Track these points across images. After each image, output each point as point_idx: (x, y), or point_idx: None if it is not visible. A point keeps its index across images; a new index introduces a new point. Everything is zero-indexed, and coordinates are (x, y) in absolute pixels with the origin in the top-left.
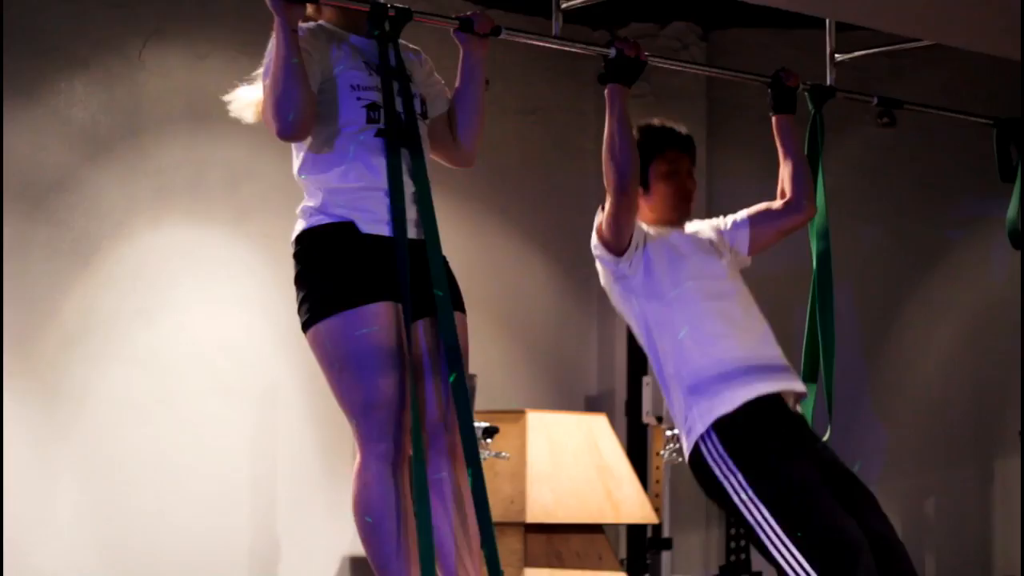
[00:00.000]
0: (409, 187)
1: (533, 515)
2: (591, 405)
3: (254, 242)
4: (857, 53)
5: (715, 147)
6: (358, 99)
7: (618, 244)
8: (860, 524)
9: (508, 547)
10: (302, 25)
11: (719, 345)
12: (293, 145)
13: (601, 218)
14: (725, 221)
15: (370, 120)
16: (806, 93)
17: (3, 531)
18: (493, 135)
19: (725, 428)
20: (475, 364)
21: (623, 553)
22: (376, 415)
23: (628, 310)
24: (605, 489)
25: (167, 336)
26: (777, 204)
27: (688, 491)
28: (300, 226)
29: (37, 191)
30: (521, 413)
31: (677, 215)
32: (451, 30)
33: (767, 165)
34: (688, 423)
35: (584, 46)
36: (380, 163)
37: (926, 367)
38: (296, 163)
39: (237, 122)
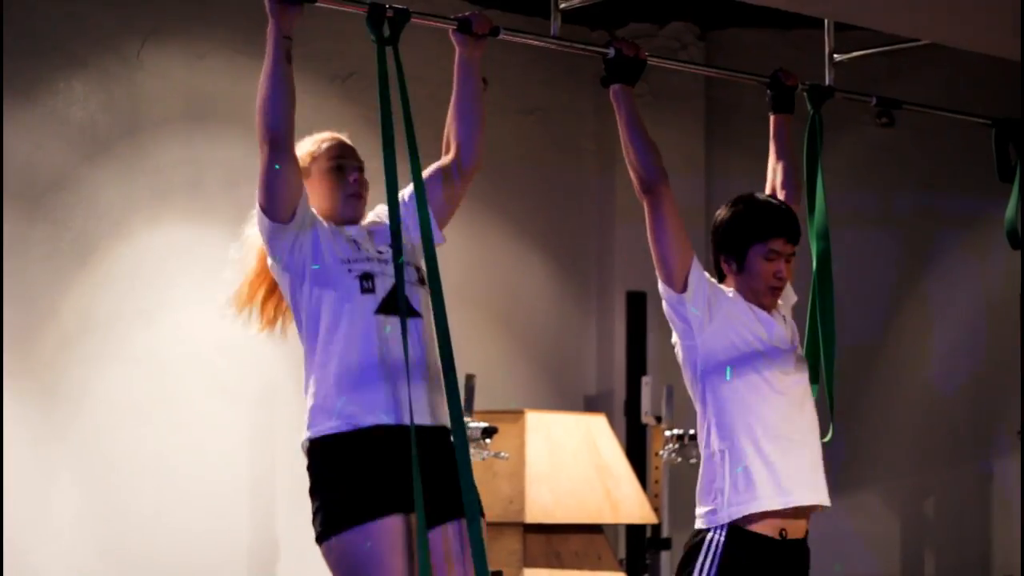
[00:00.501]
0: (419, 365)
1: (532, 515)
2: (590, 405)
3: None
4: (856, 53)
5: (713, 147)
6: (348, 271)
7: (679, 267)
8: None
9: (507, 547)
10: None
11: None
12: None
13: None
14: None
15: (364, 290)
16: (805, 93)
17: (2, 531)
18: (492, 135)
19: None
20: (474, 364)
21: (622, 553)
22: None
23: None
24: (604, 489)
25: (166, 336)
26: None
27: (687, 491)
28: (307, 434)
29: (36, 191)
30: (520, 413)
31: (768, 301)
32: (449, 31)
33: (765, 166)
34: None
35: (583, 46)
36: (382, 341)
37: (925, 367)
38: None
39: (235, 122)
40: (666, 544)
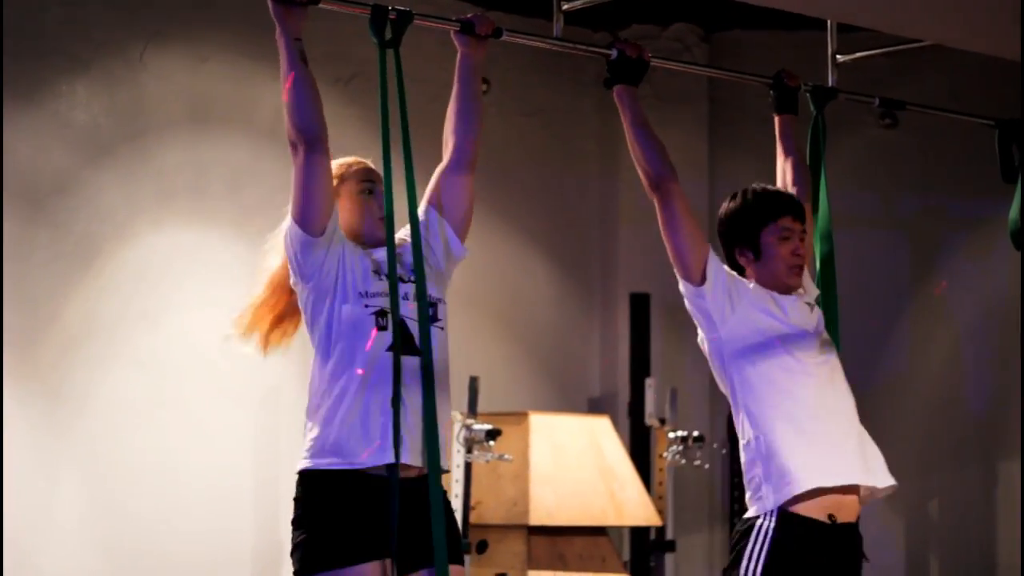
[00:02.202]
0: (417, 407)
1: (536, 517)
2: (594, 407)
3: (256, 244)
4: (858, 54)
5: (716, 149)
6: (365, 306)
7: (696, 256)
8: None
9: (511, 549)
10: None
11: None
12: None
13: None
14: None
15: (380, 328)
16: (808, 94)
17: (4, 533)
18: (494, 137)
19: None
20: (477, 366)
21: (626, 555)
22: None
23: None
24: (608, 491)
25: (169, 339)
26: None
27: (691, 493)
28: (300, 464)
29: (38, 194)
30: (524, 415)
31: (791, 283)
32: (452, 32)
33: (769, 167)
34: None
35: (585, 47)
36: (390, 381)
37: (929, 368)
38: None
39: (238, 124)
40: (670, 546)
